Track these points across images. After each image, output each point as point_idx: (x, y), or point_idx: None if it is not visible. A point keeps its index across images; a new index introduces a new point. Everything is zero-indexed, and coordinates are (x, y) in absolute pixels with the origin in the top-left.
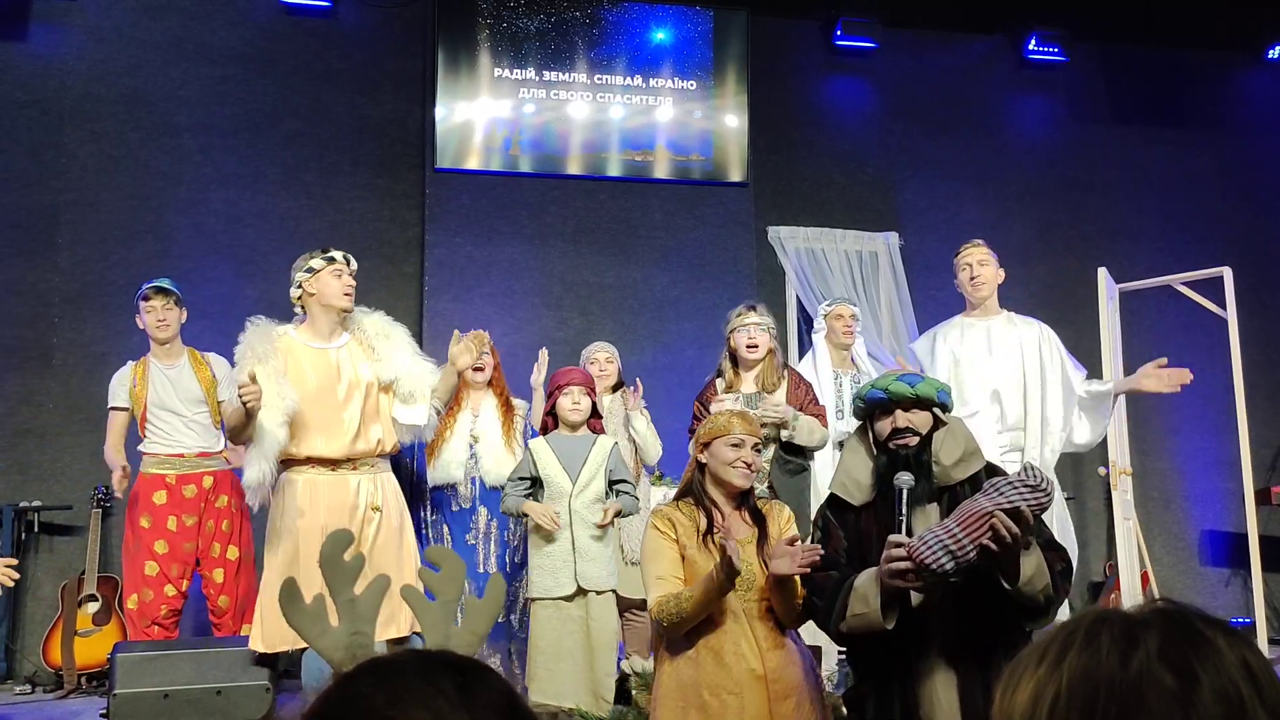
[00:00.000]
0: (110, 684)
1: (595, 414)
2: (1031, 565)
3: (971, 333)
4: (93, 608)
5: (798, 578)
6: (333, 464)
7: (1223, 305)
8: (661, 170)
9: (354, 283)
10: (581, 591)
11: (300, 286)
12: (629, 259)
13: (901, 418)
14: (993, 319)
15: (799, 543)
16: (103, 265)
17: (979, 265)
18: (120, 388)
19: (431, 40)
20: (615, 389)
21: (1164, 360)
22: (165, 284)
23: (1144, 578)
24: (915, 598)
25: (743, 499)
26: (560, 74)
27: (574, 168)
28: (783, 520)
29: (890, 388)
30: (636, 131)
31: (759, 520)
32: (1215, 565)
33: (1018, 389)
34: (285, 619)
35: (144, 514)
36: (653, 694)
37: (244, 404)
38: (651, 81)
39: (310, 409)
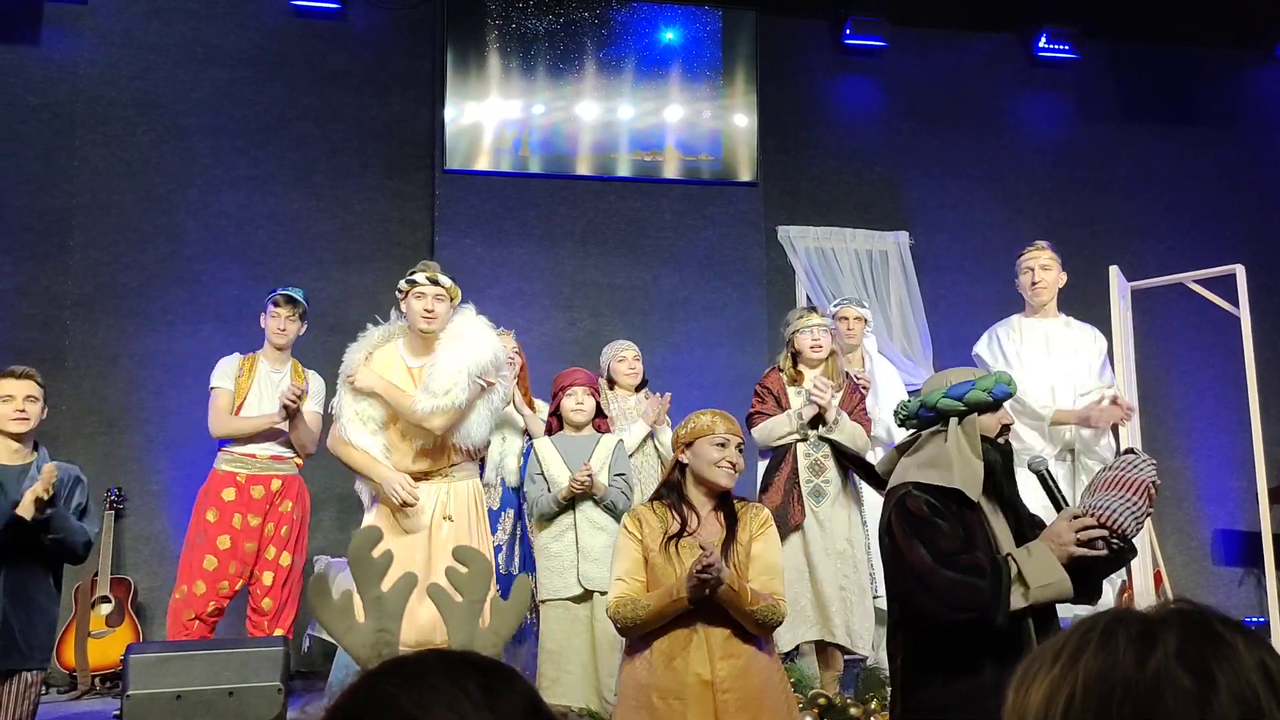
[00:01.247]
0: (123, 685)
1: (599, 414)
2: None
3: (1029, 334)
4: (106, 609)
5: (740, 585)
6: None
7: (1235, 303)
8: (671, 170)
9: (434, 305)
10: (588, 592)
11: (399, 305)
12: (638, 259)
13: (1007, 414)
14: (1050, 321)
15: (705, 553)
16: (114, 268)
17: (1041, 270)
18: (226, 372)
19: (440, 41)
20: (639, 388)
21: (1114, 395)
22: (297, 295)
23: (1157, 577)
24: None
25: (721, 501)
26: (569, 74)
27: (583, 168)
28: (756, 524)
29: (1012, 385)
30: (646, 132)
31: (732, 523)
32: (1229, 564)
33: (1071, 392)
34: (312, 613)
35: (212, 508)
36: (617, 691)
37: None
38: (660, 82)
39: (392, 422)
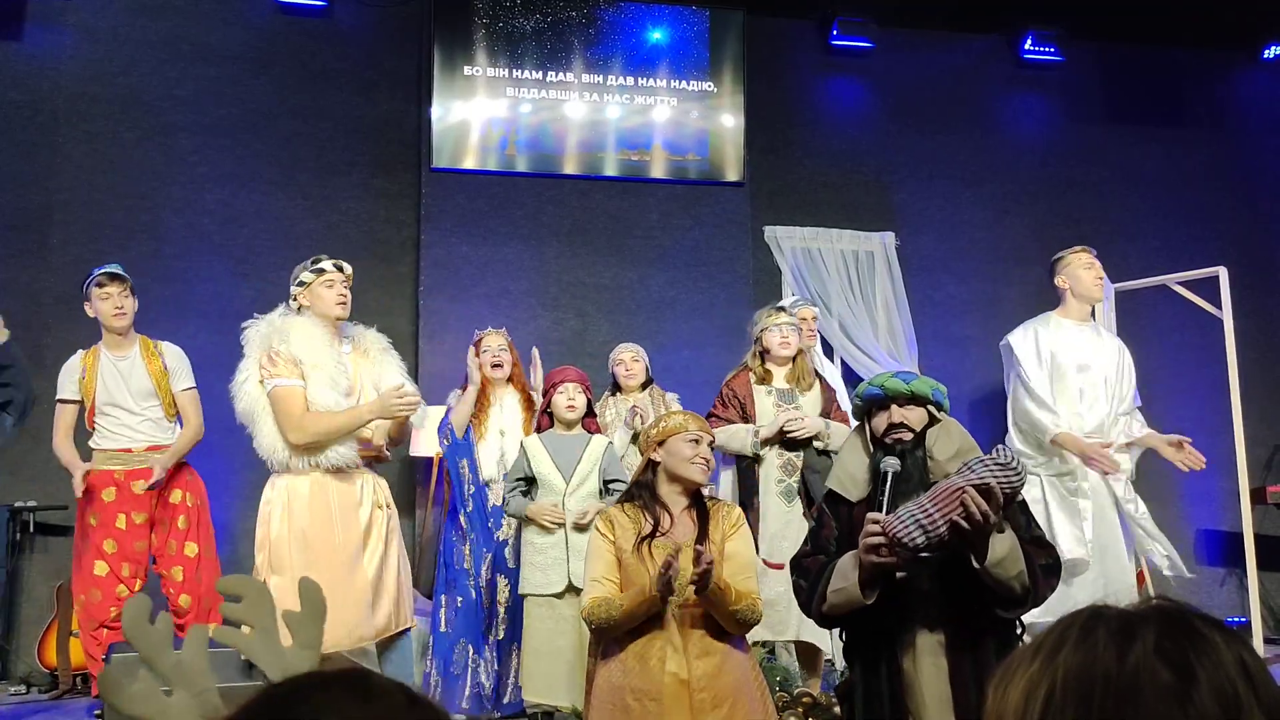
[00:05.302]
0: None
1: (590, 413)
2: (1003, 548)
3: (1071, 335)
4: None
5: (725, 583)
6: (339, 468)
7: (1218, 305)
8: (658, 170)
9: (347, 291)
10: (574, 590)
11: (296, 299)
12: (625, 259)
13: (897, 413)
14: (1087, 325)
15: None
16: (97, 265)
17: (1101, 270)
18: (69, 379)
19: (427, 40)
20: (644, 388)
21: (1189, 440)
22: (118, 269)
23: (1139, 577)
24: (899, 578)
25: (694, 499)
26: (556, 74)
27: (570, 167)
28: (728, 524)
29: (886, 384)
30: (633, 131)
31: (705, 522)
32: (1211, 564)
33: (1103, 397)
34: (117, 711)
35: (93, 512)
36: (588, 694)
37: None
38: (648, 81)
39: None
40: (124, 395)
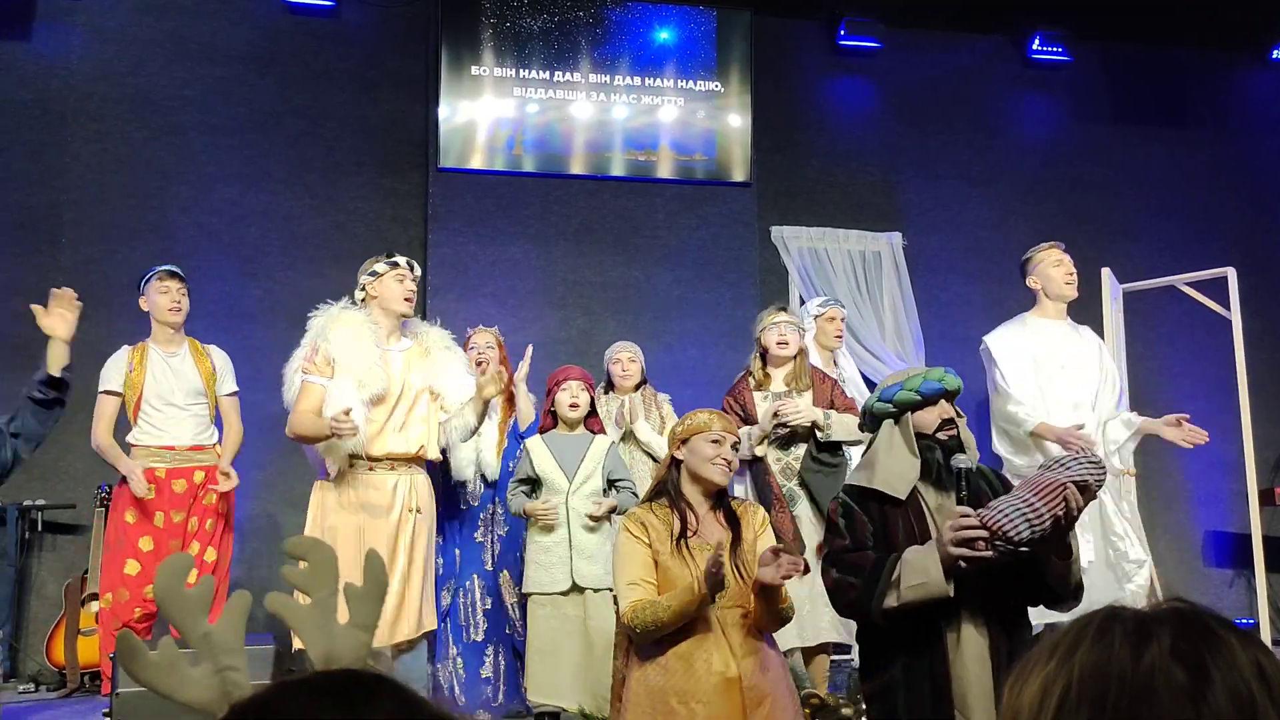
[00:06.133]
0: (113, 683)
1: (593, 412)
2: (1076, 545)
3: (1050, 335)
4: (96, 607)
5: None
6: (371, 462)
7: (1226, 306)
8: (665, 170)
9: (415, 288)
10: (578, 589)
11: (364, 289)
12: (632, 259)
13: (947, 408)
14: (1063, 322)
15: (784, 553)
16: (106, 264)
17: (1071, 265)
18: (115, 372)
19: (435, 39)
20: (638, 388)
21: (1187, 416)
22: (176, 269)
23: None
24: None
25: (718, 500)
26: (564, 73)
27: (577, 167)
28: (757, 523)
29: (946, 380)
30: (640, 131)
31: (734, 523)
32: (1219, 566)
33: (1091, 395)
34: (132, 678)
35: (130, 509)
36: (622, 699)
37: (337, 436)
38: (655, 81)
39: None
40: (174, 392)
